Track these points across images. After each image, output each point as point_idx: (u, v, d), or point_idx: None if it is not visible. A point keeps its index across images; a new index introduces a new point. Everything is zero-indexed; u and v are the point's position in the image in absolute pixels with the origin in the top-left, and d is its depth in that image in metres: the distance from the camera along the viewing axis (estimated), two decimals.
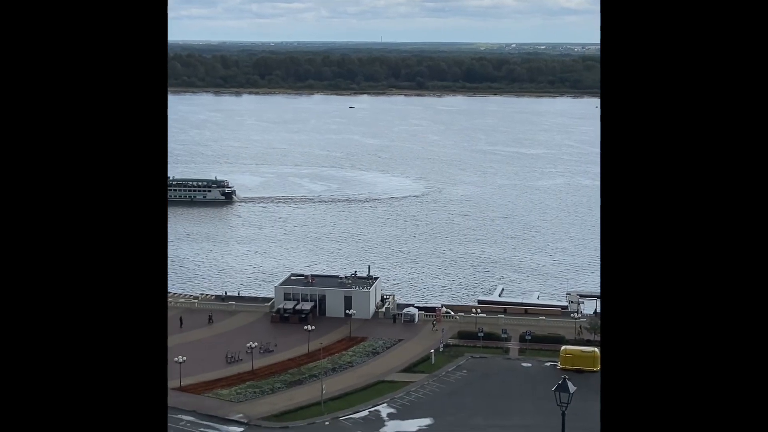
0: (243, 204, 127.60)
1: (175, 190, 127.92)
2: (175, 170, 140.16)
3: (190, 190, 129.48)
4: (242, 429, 54.41)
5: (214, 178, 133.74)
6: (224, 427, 54.50)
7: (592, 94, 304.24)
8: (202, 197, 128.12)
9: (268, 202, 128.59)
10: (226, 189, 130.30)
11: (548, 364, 62.10)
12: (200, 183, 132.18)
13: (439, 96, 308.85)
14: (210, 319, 73.43)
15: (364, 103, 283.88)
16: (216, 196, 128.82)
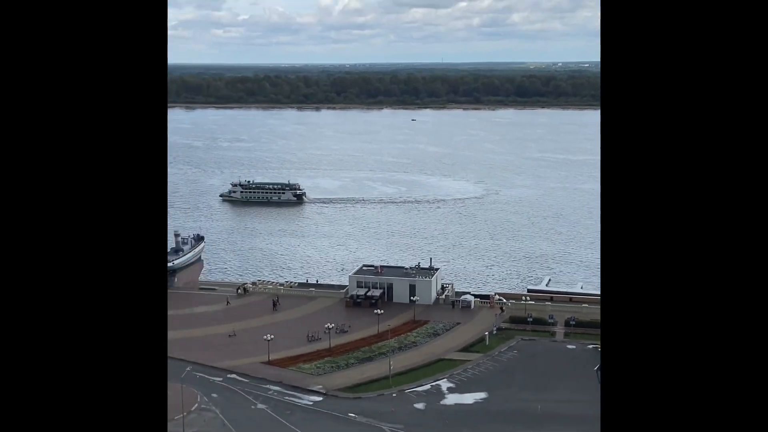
0: (313, 204, 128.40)
1: (253, 192, 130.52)
2: (263, 175, 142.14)
3: (266, 192, 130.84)
4: (321, 398, 54.67)
5: (287, 182, 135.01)
6: (306, 397, 54.85)
7: None
8: (276, 198, 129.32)
9: (337, 203, 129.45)
10: (298, 191, 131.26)
11: (590, 346, 61.34)
12: (275, 186, 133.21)
13: (493, 109, 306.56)
14: (275, 303, 74.02)
15: (427, 116, 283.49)
16: (289, 197, 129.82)
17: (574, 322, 67.53)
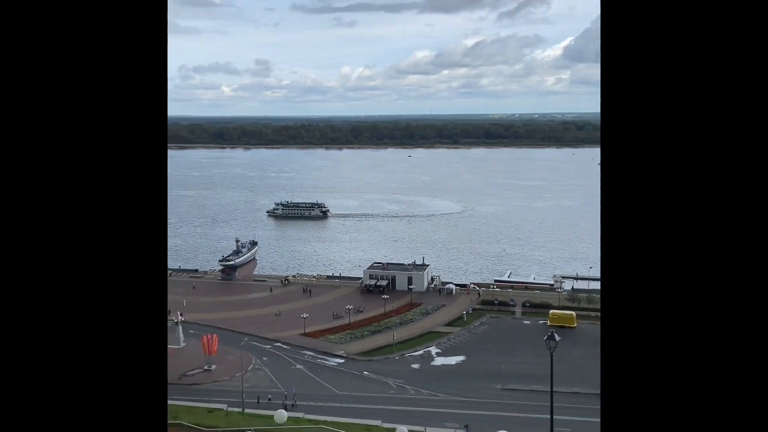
0: (335, 218, 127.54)
1: (290, 210, 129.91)
2: (299, 197, 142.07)
3: (300, 209, 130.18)
4: (343, 361, 54.53)
5: (315, 201, 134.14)
6: (332, 359, 54.74)
7: (569, 146, 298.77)
8: (308, 214, 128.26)
9: (355, 217, 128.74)
10: (323, 209, 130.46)
11: (541, 322, 61.24)
12: (307, 205, 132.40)
13: (468, 148, 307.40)
14: (309, 290, 74.13)
15: (420, 153, 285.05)
16: (317, 213, 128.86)
17: (528, 304, 67.42)
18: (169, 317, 59.60)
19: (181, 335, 56.40)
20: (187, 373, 50.93)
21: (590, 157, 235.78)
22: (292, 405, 42.24)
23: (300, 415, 38.77)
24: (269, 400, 42.94)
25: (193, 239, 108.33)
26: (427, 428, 34.66)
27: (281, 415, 29.89)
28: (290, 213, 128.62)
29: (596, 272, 79.17)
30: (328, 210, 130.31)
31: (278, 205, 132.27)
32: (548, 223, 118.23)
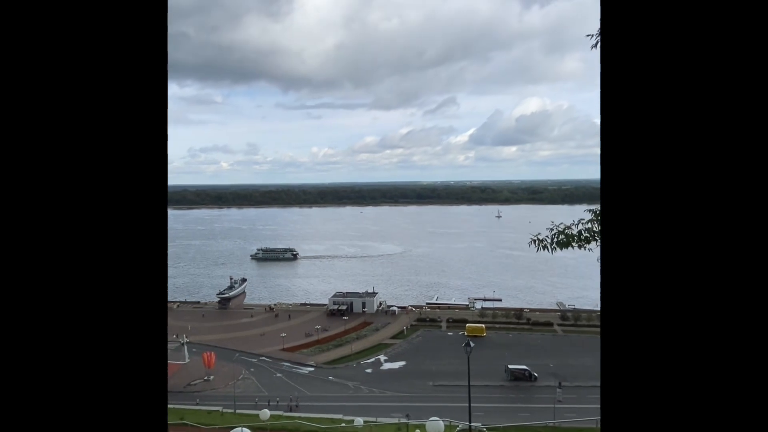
0: (304, 260, 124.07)
1: (268, 253, 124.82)
2: (276, 244, 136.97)
3: (276, 253, 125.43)
4: (313, 368, 52.81)
5: (288, 247, 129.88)
6: (305, 368, 52.99)
7: (475, 204, 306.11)
8: (282, 257, 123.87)
9: (321, 259, 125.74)
10: (294, 252, 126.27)
11: (460, 333, 61.26)
12: (280, 249, 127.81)
13: (405, 206, 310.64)
14: (289, 315, 72.31)
15: (370, 210, 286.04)
16: (289, 256, 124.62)
17: (451, 320, 67.18)
18: (176, 339, 56.66)
19: (186, 353, 53.59)
20: (191, 383, 48.26)
21: (491, 212, 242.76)
22: (296, 406, 40.50)
23: (280, 412, 36.99)
24: (277, 402, 41.10)
25: (197, 278, 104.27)
26: (378, 418, 33.61)
27: (264, 413, 28.43)
28: (268, 256, 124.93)
29: (498, 295, 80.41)
30: (297, 253, 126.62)
31: (259, 250, 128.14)
32: (463, 260, 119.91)
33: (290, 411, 38.68)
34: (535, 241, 6.93)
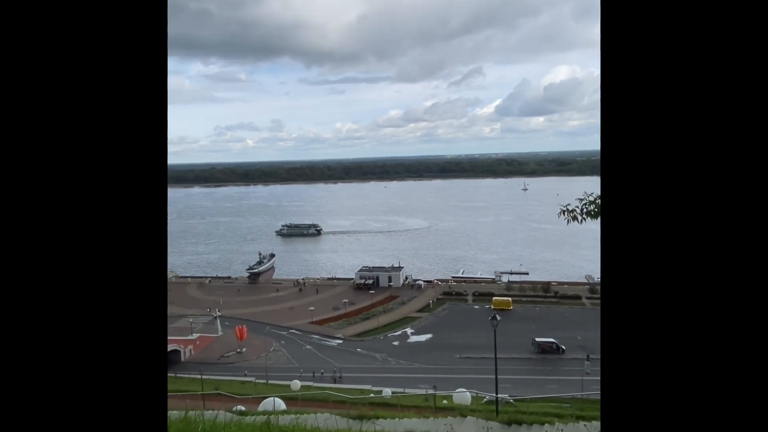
0: (328, 235, 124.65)
1: (293, 229, 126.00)
2: (301, 219, 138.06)
3: (300, 229, 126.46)
4: (342, 341, 53.79)
5: (312, 223, 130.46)
6: (333, 341, 54.02)
7: (501, 177, 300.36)
8: (306, 232, 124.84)
9: (346, 234, 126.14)
10: (318, 228, 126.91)
11: (486, 306, 61.33)
12: (304, 225, 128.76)
13: (430, 180, 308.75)
14: (313, 289, 73.51)
15: (394, 185, 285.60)
16: (313, 232, 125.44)
17: (477, 294, 67.17)
18: (209, 312, 58.66)
19: (219, 326, 55.47)
20: (224, 355, 50.05)
21: (517, 185, 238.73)
22: (339, 377, 41.46)
23: (310, 383, 38.10)
24: (321, 374, 42.25)
25: (227, 254, 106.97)
26: (406, 389, 34.26)
27: (295, 384, 29.32)
28: (293, 232, 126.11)
29: (525, 268, 79.75)
30: (321, 229, 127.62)
31: (284, 226, 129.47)
32: (489, 234, 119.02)
33: (334, 382, 39.73)
34: (564, 211, 6.73)
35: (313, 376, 41.92)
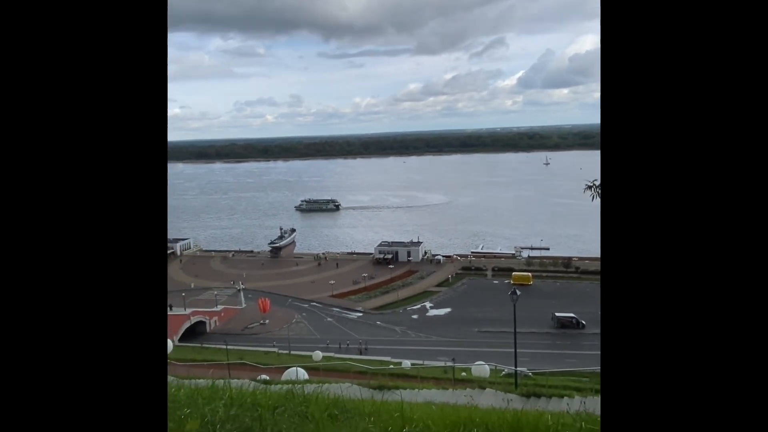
0: (345, 210, 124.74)
1: (311, 204, 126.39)
2: (321, 195, 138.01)
3: (319, 204, 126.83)
4: (362, 314, 54.61)
5: (330, 198, 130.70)
6: (353, 313, 54.93)
7: (523, 151, 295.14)
8: (324, 208, 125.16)
9: (361, 209, 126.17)
10: (336, 203, 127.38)
11: (506, 281, 61.18)
12: (323, 200, 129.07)
13: (450, 155, 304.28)
14: (337, 264, 74.20)
15: (412, 160, 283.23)
16: (331, 207, 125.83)
17: (496, 269, 66.95)
18: (233, 285, 60.09)
19: (243, 298, 56.85)
20: (248, 326, 51.46)
21: (539, 159, 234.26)
22: (365, 349, 42.24)
23: (331, 354, 38.99)
24: (347, 345, 43.04)
25: (250, 228, 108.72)
26: (425, 361, 34.77)
27: (317, 354, 30.02)
28: (312, 207, 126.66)
29: (545, 244, 78.99)
30: (339, 204, 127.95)
31: (303, 201, 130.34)
32: (510, 209, 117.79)
33: (360, 354, 40.44)
34: (591, 187, 6.56)
35: (340, 347, 42.81)
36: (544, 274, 63.83)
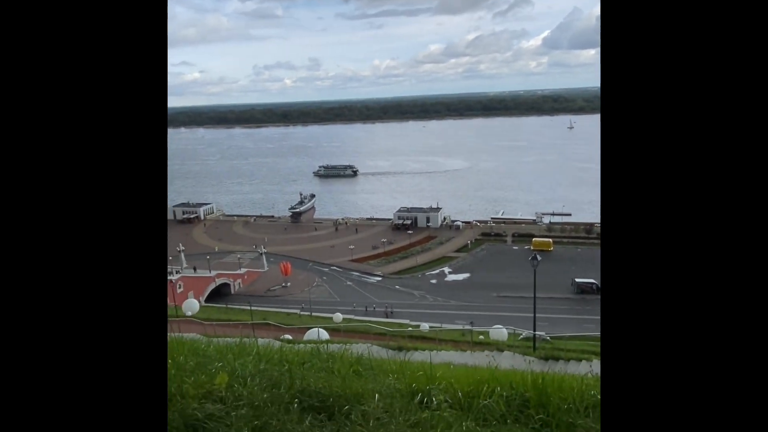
0: (363, 176, 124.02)
1: (329, 170, 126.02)
2: (340, 161, 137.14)
3: (336, 170, 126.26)
4: (381, 278, 55.30)
5: (348, 164, 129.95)
6: (372, 278, 55.63)
7: (547, 115, 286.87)
8: (342, 173, 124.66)
9: (379, 175, 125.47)
10: (354, 169, 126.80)
11: (526, 247, 60.87)
12: (341, 166, 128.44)
13: (470, 119, 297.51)
14: (356, 230, 74.66)
15: (433, 124, 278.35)
16: (349, 173, 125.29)
17: (516, 235, 66.58)
18: (255, 249, 61.31)
19: (265, 262, 58.13)
20: (270, 289, 52.85)
21: (563, 123, 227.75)
22: (391, 312, 43.06)
23: (355, 316, 39.88)
24: (374, 308, 44.00)
25: (270, 194, 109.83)
26: (443, 325, 35.30)
27: (338, 316, 30.70)
28: (329, 173, 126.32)
29: (567, 209, 77.83)
30: (357, 170, 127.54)
31: (321, 167, 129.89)
32: (532, 174, 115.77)
33: (386, 317, 41.21)
34: None
35: (366, 310, 43.75)
36: (565, 240, 63.29)
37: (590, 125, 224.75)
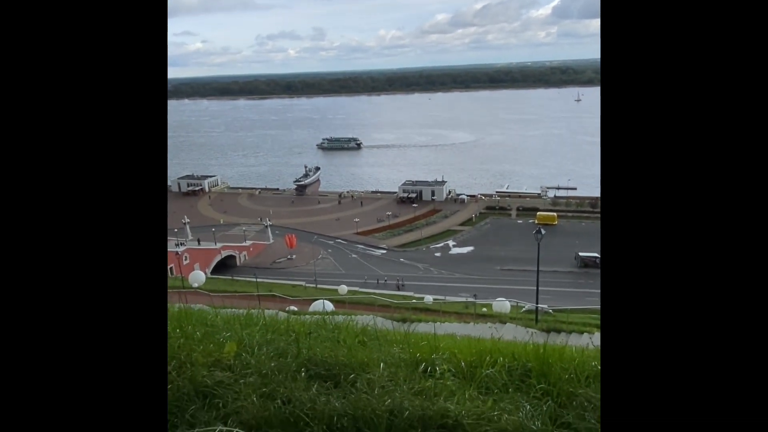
0: (367, 149, 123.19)
1: (333, 143, 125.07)
2: (344, 133, 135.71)
3: (340, 143, 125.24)
4: (386, 251, 55.67)
5: (352, 137, 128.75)
6: (377, 251, 56.03)
7: (554, 87, 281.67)
8: (346, 146, 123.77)
9: (383, 148, 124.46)
10: (358, 142, 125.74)
11: (531, 221, 60.79)
12: (344, 139, 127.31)
13: (477, 91, 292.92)
14: (361, 203, 74.69)
15: (438, 97, 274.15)
16: (353, 146, 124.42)
17: (521, 208, 66.47)
18: (261, 222, 61.68)
19: (271, 234, 58.53)
20: (276, 261, 53.40)
21: (571, 95, 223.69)
22: (402, 285, 43.43)
23: (356, 288, 40.36)
24: (385, 281, 44.34)
25: (275, 167, 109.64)
26: (446, 297, 35.69)
27: (342, 288, 31.06)
28: (333, 146, 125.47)
29: (573, 183, 77.31)
30: (361, 143, 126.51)
31: (324, 140, 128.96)
32: (538, 148, 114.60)
33: (398, 289, 41.46)
34: None
35: (377, 283, 44.21)
36: (570, 214, 63.14)
37: (598, 98, 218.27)
